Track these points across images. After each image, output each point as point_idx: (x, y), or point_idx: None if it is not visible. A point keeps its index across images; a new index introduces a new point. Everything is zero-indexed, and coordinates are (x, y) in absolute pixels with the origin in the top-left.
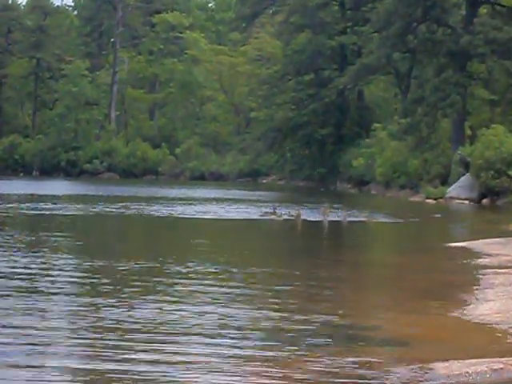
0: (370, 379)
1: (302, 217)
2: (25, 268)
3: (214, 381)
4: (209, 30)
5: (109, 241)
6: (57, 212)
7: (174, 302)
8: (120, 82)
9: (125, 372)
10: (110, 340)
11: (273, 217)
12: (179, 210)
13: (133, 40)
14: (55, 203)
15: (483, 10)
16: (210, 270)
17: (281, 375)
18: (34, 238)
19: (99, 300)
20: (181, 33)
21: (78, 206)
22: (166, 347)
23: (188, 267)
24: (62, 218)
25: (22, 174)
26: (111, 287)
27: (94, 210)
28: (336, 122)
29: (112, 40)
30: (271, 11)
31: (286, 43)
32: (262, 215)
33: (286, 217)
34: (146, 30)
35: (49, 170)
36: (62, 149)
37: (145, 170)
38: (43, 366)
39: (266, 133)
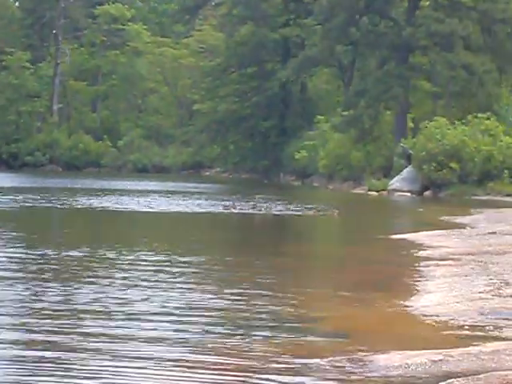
0: (308, 371)
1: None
2: None
3: (154, 369)
4: (151, 21)
5: (53, 232)
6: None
7: (118, 287)
8: (62, 74)
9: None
10: (49, 325)
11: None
12: (123, 202)
13: (75, 32)
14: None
15: (425, 2)
16: (154, 258)
17: (217, 365)
18: None
19: (44, 286)
20: (123, 25)
21: (19, 198)
22: (111, 331)
23: (134, 256)
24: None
25: None
26: (51, 274)
27: (37, 202)
28: (279, 114)
29: (54, 32)
30: (214, 3)
31: (229, 35)
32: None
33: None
34: (88, 21)
35: None
36: (2, 141)
37: (87, 163)
38: None
39: (209, 125)
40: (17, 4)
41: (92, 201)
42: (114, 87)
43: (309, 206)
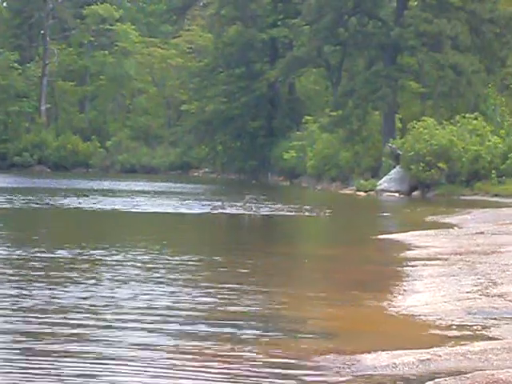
0: (296, 371)
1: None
2: None
3: (135, 376)
4: (140, 22)
5: (33, 231)
6: None
7: (105, 285)
8: (50, 75)
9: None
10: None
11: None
12: (112, 203)
13: (63, 32)
14: None
15: (413, 2)
16: (140, 257)
17: (204, 367)
18: None
19: (32, 285)
20: (111, 25)
21: (7, 198)
22: (96, 330)
23: (121, 256)
24: None
25: None
26: (40, 273)
27: (25, 202)
28: (267, 114)
29: (42, 32)
30: (202, 3)
31: (217, 36)
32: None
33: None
34: (77, 22)
35: None
36: None
37: (75, 163)
38: None
39: (197, 125)
40: (4, 4)
41: (79, 201)
42: (102, 87)
43: (297, 207)
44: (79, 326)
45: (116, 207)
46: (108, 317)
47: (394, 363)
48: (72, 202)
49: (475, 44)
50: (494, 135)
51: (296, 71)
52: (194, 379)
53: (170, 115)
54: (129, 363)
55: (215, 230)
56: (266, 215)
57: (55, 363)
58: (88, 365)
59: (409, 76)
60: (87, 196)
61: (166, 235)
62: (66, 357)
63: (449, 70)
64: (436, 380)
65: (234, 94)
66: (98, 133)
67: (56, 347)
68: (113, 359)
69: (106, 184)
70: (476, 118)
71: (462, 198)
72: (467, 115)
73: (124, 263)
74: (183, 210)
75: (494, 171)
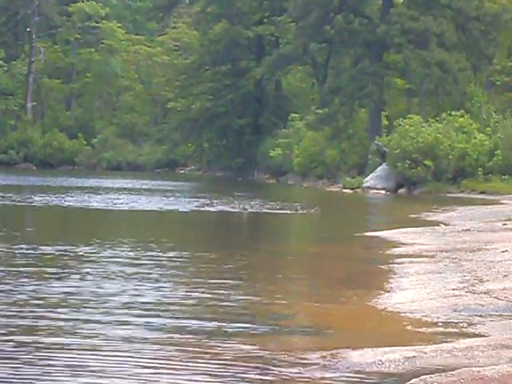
0: (281, 368)
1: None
2: None
3: (120, 364)
4: (126, 19)
5: (16, 228)
6: None
7: (92, 280)
8: (36, 72)
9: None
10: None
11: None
12: (93, 200)
13: (49, 30)
14: None
15: (399, 0)
16: (127, 254)
17: (189, 362)
18: None
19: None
20: (97, 22)
21: None
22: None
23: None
24: None
25: None
26: (30, 269)
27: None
28: (253, 112)
29: (28, 30)
30: (188, 1)
31: (203, 33)
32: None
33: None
34: (63, 19)
35: None
36: None
37: (61, 161)
38: None
39: (183, 123)
40: None
41: (67, 198)
42: (88, 85)
43: (286, 205)
44: (64, 319)
45: (97, 205)
46: (92, 310)
47: (380, 360)
48: (61, 199)
49: (461, 41)
50: (480, 133)
51: (282, 69)
52: (177, 372)
53: (156, 113)
54: (115, 355)
55: (201, 227)
56: (255, 213)
57: (41, 355)
58: (75, 356)
59: (395, 73)
60: (72, 194)
61: (152, 233)
62: (52, 349)
63: (435, 68)
64: (422, 377)
65: (220, 92)
66: (84, 130)
67: (43, 340)
68: (98, 351)
69: (92, 182)
70: (462, 116)
71: (449, 195)
72: (453, 113)
73: (108, 259)
74: (169, 208)
75: (480, 168)
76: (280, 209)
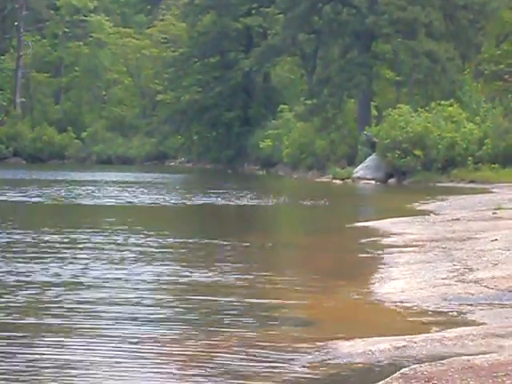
0: (272, 359)
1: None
2: None
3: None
4: (114, 12)
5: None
6: None
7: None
8: (25, 67)
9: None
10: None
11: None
12: (85, 195)
13: (37, 23)
14: None
15: None
16: (118, 242)
17: (181, 355)
18: None
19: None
20: (85, 16)
21: None
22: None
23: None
24: None
25: None
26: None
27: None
28: (242, 104)
29: (16, 24)
30: None
31: (192, 25)
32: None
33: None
34: (51, 13)
35: None
36: None
37: (51, 155)
38: None
39: (172, 115)
40: None
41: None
42: (77, 78)
43: (274, 195)
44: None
45: (94, 200)
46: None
47: (370, 350)
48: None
49: (450, 31)
50: (469, 122)
51: (271, 60)
52: (164, 362)
53: (146, 105)
54: (103, 337)
55: (192, 219)
56: (243, 205)
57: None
58: (62, 339)
59: (384, 64)
60: (63, 187)
61: (144, 226)
62: (41, 331)
63: (423, 58)
64: (412, 366)
65: (208, 84)
66: (73, 124)
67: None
68: (87, 334)
69: (82, 175)
70: (451, 105)
71: (438, 184)
72: (442, 102)
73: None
74: (160, 201)
75: (470, 158)
76: (264, 200)
